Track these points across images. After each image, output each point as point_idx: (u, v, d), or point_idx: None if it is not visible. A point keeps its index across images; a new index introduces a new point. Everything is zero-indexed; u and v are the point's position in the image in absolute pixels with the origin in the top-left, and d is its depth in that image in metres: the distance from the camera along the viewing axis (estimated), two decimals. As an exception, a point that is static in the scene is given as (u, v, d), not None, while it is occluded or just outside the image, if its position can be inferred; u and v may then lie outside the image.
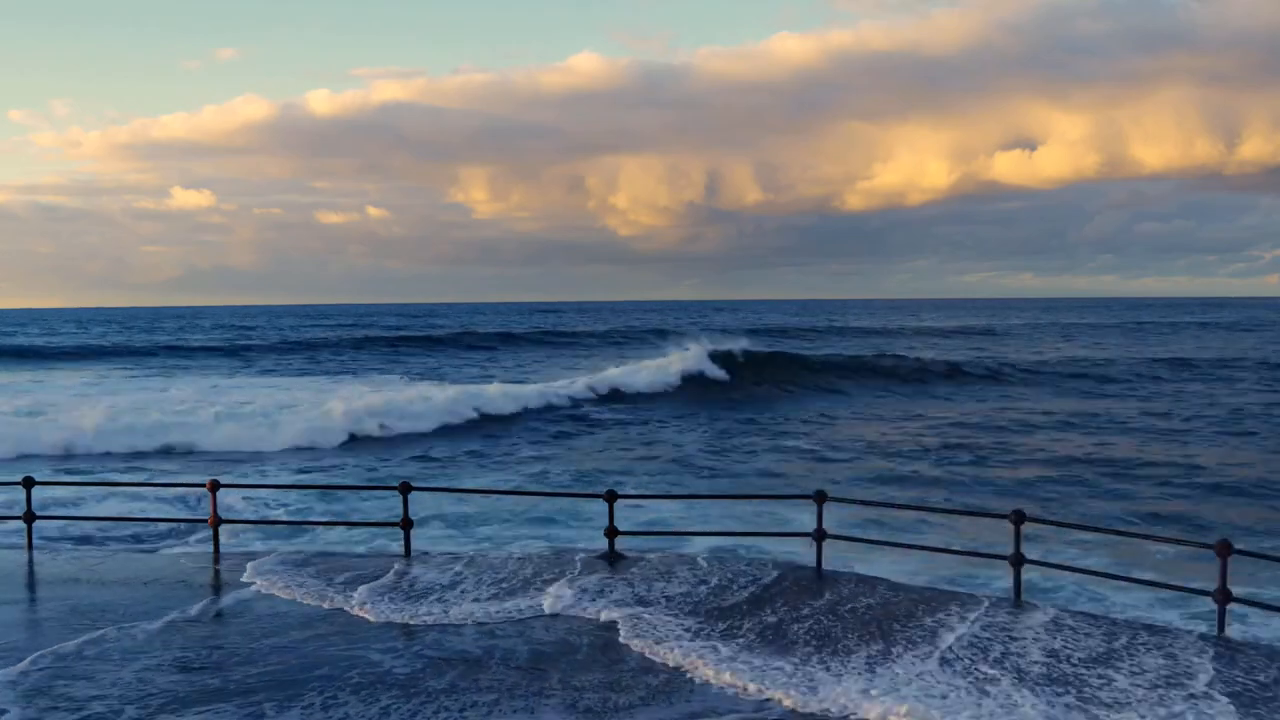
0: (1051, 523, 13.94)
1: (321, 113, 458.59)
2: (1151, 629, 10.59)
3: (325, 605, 11.53)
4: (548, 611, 11.19)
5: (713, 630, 10.47)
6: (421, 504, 20.00)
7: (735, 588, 11.96)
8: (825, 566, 12.71)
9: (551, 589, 11.86)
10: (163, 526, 18.32)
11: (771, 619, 10.84)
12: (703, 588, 11.95)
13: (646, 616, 10.88)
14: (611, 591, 11.80)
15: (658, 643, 10.03)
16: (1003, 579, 13.22)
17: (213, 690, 8.86)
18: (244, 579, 12.63)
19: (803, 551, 14.47)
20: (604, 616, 10.97)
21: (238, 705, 8.50)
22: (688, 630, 10.46)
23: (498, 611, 11.22)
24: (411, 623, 10.94)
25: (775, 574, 12.48)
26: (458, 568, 12.95)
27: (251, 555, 14.14)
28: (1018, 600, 11.33)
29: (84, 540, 18.47)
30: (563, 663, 9.62)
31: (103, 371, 58.54)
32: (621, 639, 10.24)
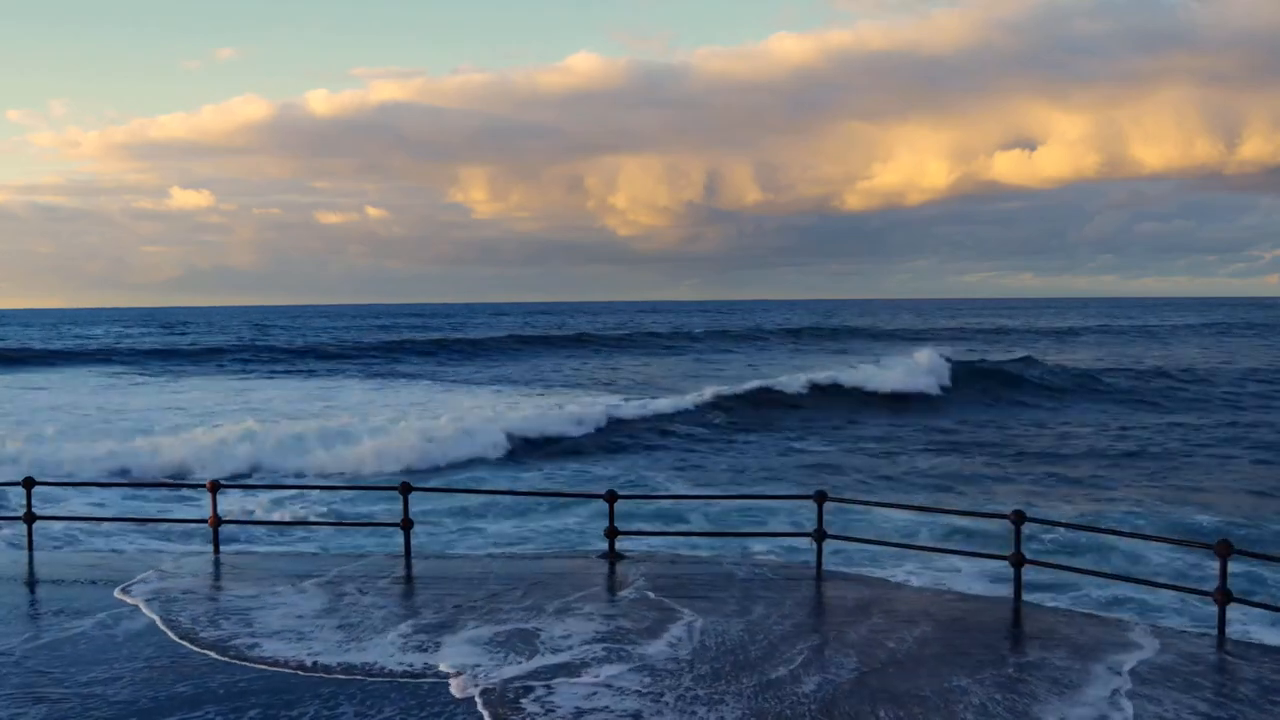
0: (1051, 523, 13.95)
1: (321, 113, 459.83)
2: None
3: (192, 646, 9.74)
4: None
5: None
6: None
7: (770, 628, 9.94)
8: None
9: (501, 625, 10.04)
10: (177, 527, 18.36)
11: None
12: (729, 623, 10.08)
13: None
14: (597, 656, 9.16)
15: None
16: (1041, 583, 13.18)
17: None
18: (117, 595, 11.55)
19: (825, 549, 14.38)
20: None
21: None
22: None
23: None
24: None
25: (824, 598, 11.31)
26: (425, 580, 12.45)
27: (252, 554, 14.14)
28: (1017, 600, 11.29)
29: (85, 540, 18.49)
30: None
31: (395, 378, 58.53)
32: None
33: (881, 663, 9.02)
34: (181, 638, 9.96)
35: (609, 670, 8.83)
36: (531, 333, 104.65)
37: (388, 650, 9.47)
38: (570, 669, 8.89)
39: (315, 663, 9.16)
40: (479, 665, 9.00)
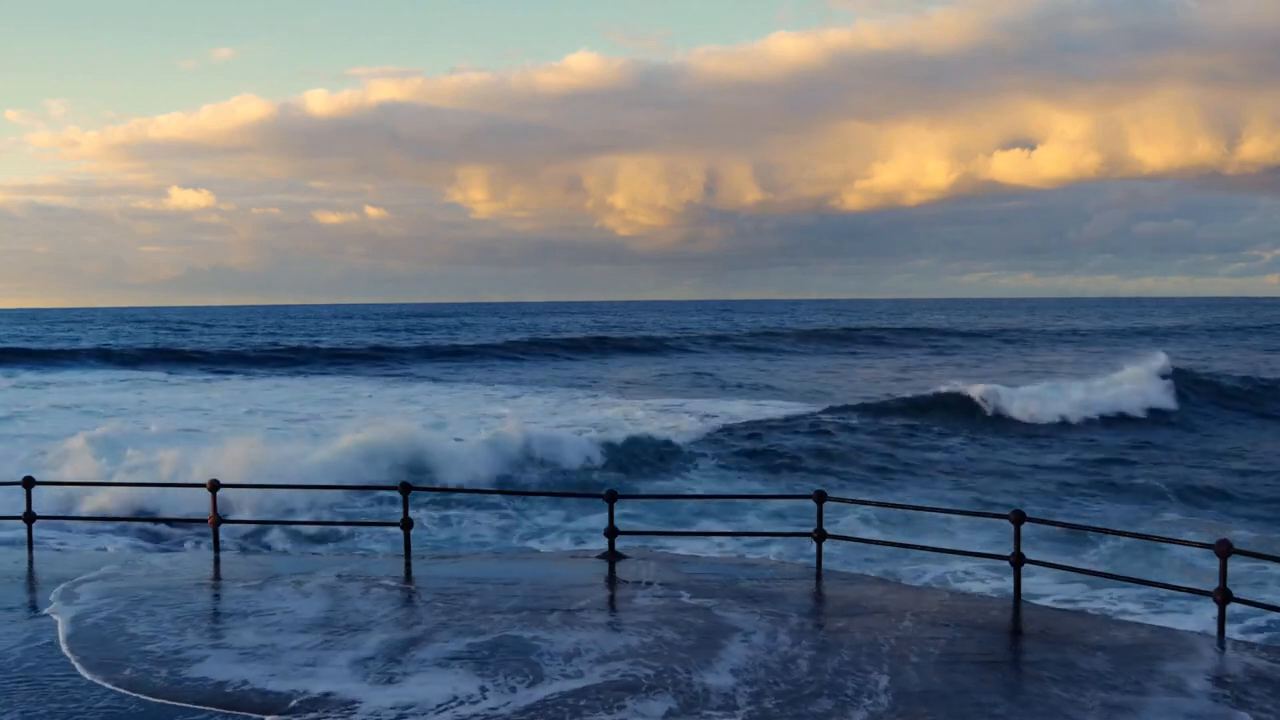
0: (1052, 523, 13.96)
1: (318, 112, 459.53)
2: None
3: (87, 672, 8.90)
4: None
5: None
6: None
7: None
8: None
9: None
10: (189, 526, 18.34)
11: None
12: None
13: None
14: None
15: None
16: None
17: None
18: (48, 604, 11.10)
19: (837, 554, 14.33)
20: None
21: None
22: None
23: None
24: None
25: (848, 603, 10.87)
26: (401, 597, 12.14)
27: (251, 554, 14.11)
28: (1017, 602, 11.26)
29: (88, 541, 18.49)
30: None
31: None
32: None
33: (909, 680, 8.59)
34: (87, 666, 9.09)
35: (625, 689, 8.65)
36: (710, 333, 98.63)
37: (342, 678, 8.66)
38: (576, 690, 8.60)
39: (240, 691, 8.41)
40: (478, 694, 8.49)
